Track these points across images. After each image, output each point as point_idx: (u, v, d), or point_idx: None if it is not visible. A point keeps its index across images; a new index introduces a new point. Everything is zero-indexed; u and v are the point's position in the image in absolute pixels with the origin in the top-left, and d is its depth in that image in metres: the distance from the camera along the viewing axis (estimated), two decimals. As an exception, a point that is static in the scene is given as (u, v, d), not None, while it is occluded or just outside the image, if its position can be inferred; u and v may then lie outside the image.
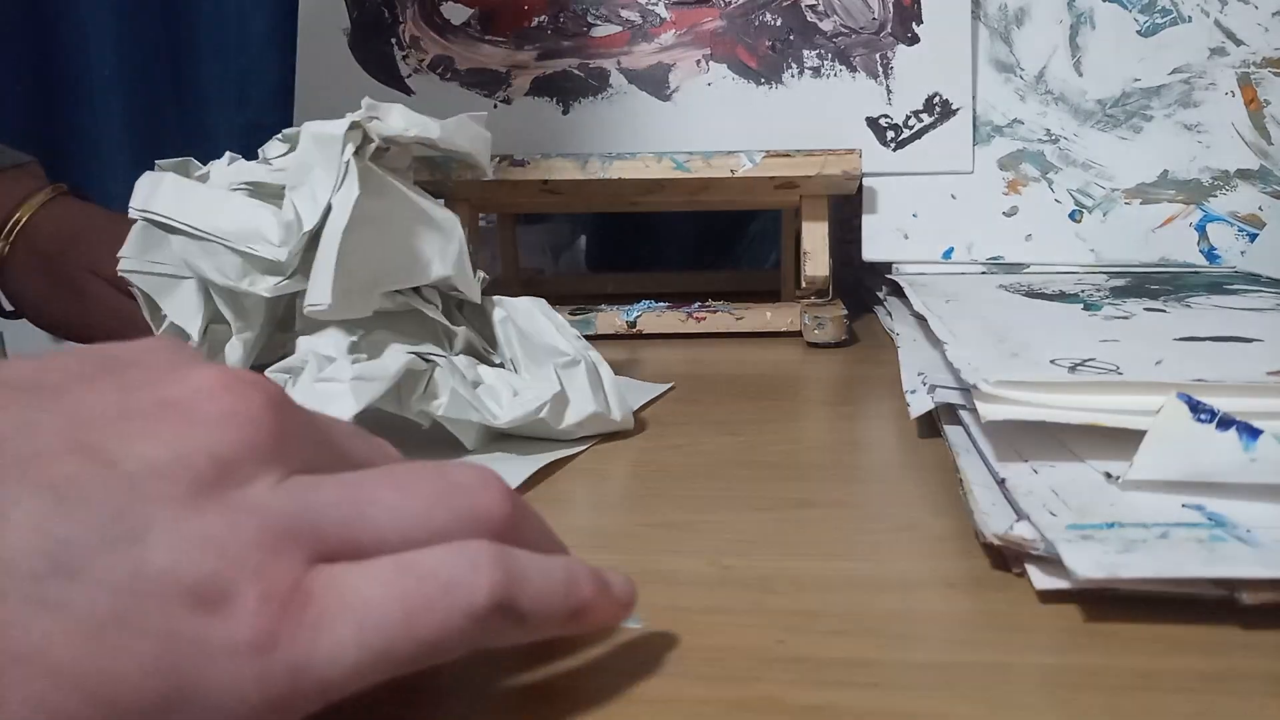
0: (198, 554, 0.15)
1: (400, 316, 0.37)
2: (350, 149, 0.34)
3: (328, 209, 0.33)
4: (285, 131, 0.37)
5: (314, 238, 0.34)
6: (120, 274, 0.36)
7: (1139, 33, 0.62)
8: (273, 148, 0.37)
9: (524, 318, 0.38)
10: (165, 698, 0.15)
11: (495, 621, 0.18)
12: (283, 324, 0.38)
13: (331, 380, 0.32)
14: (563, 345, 0.37)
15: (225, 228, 0.34)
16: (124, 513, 0.15)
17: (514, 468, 0.33)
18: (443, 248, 0.36)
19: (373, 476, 0.19)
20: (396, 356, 0.33)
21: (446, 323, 0.37)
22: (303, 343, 0.34)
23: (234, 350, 0.36)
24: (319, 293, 0.33)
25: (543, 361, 0.37)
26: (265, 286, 0.34)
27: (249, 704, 0.15)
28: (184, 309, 0.36)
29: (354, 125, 0.34)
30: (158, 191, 0.35)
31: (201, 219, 0.34)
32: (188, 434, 0.16)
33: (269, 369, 0.34)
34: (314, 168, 0.34)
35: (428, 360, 0.34)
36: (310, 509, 0.17)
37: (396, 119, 0.36)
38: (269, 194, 0.35)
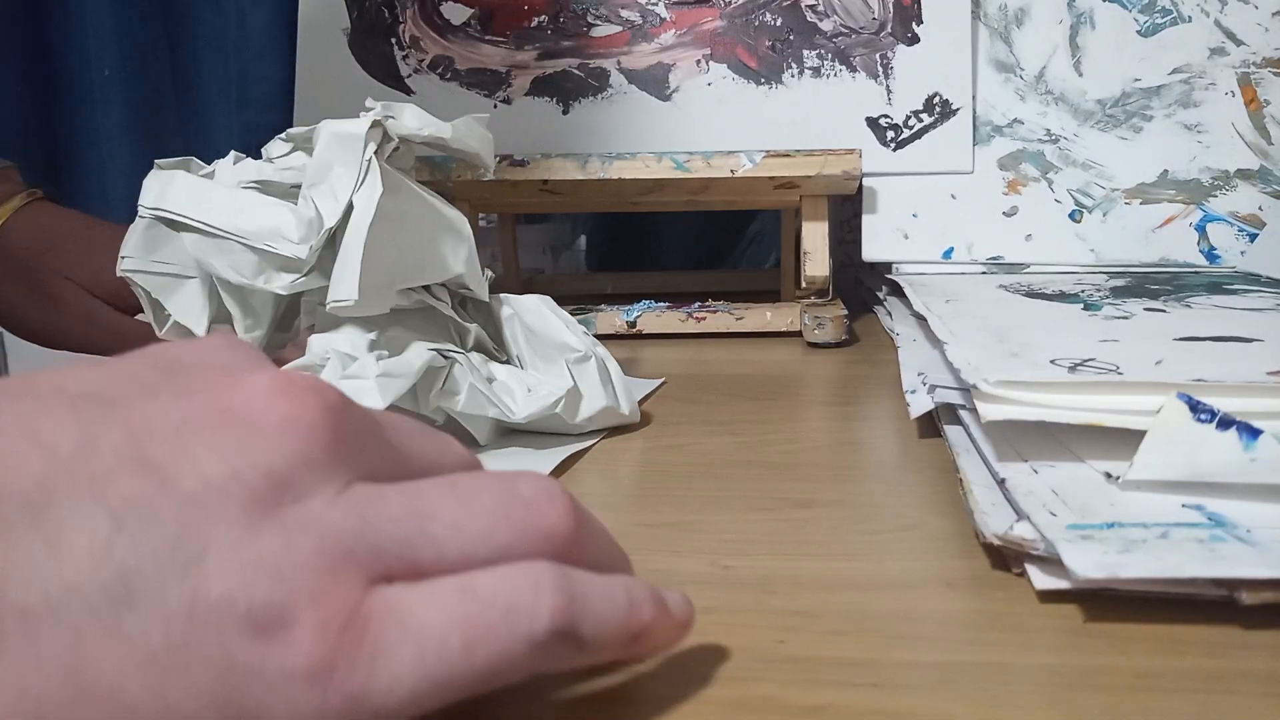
0: (254, 579, 0.15)
1: (413, 314, 0.37)
2: (371, 148, 0.34)
3: (349, 207, 0.34)
4: (289, 131, 0.37)
5: (332, 236, 0.34)
6: (122, 274, 0.36)
7: (1139, 33, 0.62)
8: (275, 147, 0.37)
9: (532, 315, 0.39)
10: None
11: (556, 647, 0.17)
12: (281, 323, 0.38)
13: (357, 377, 0.32)
14: (574, 341, 0.38)
15: (244, 226, 0.34)
16: (181, 536, 0.15)
17: (531, 465, 0.33)
18: (455, 246, 0.37)
19: (434, 488, 0.18)
20: (419, 353, 0.34)
21: (459, 320, 0.38)
22: (317, 340, 0.34)
23: None
24: (346, 289, 0.33)
25: (553, 358, 0.38)
26: (281, 284, 0.34)
27: None
28: (189, 308, 0.36)
29: (374, 124, 0.35)
30: (170, 189, 0.35)
31: (219, 217, 0.34)
32: (244, 446, 0.16)
33: (286, 367, 0.34)
34: (334, 166, 0.34)
35: (446, 357, 0.35)
36: (369, 526, 0.17)
37: (410, 119, 0.37)
38: (278, 193, 0.36)
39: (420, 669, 0.16)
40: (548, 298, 0.40)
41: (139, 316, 0.38)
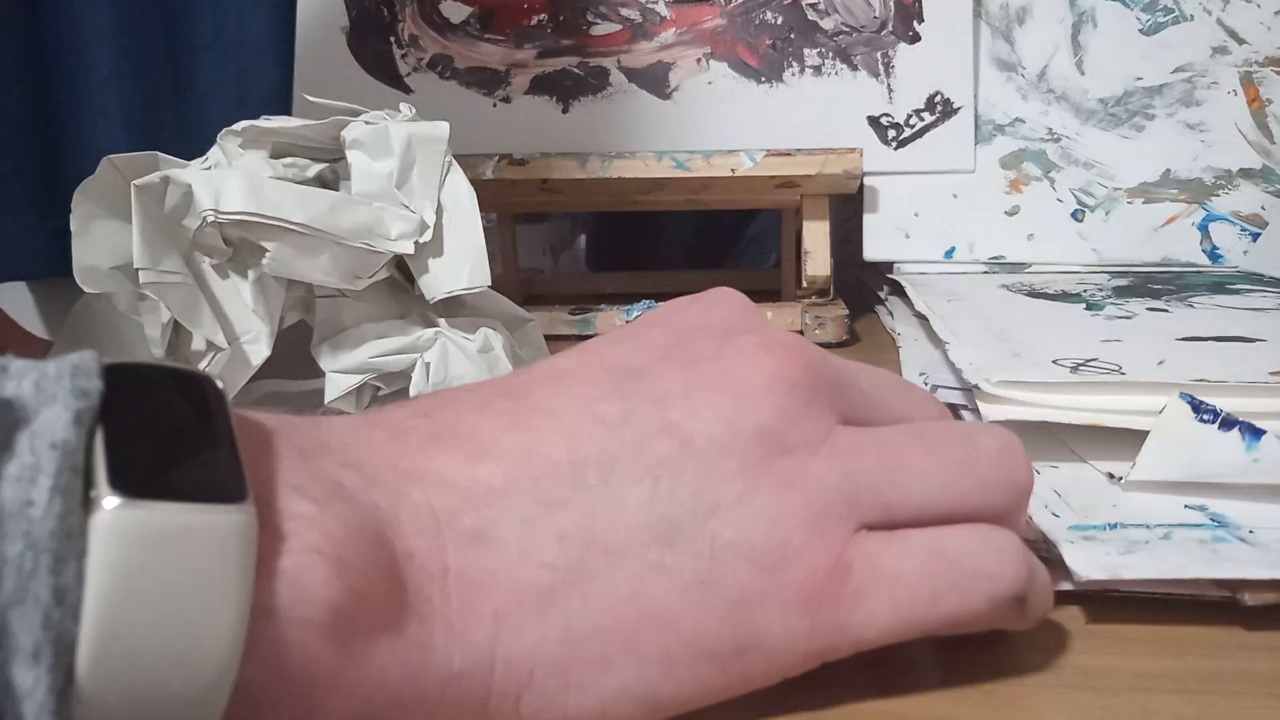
0: (755, 527, 0.18)
1: (405, 296, 0.38)
2: (449, 149, 0.37)
3: (438, 205, 0.36)
4: (257, 124, 0.37)
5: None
6: (143, 286, 0.35)
7: (1141, 31, 0.62)
8: (230, 139, 0.37)
9: (474, 293, 0.41)
10: (739, 643, 0.18)
11: (1007, 609, 0.20)
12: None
13: (491, 350, 0.36)
14: (523, 311, 0.40)
15: (340, 225, 0.34)
16: (700, 490, 0.18)
17: None
18: None
19: (904, 439, 0.20)
20: (493, 328, 0.37)
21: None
22: (388, 328, 0.36)
23: (261, 350, 0.36)
24: (478, 275, 0.36)
25: (513, 328, 0.39)
26: (360, 283, 0.36)
27: (798, 651, 0.19)
28: (205, 319, 0.35)
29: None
30: (239, 192, 0.34)
31: (314, 217, 0.34)
32: (738, 406, 0.19)
33: (391, 355, 0.35)
34: (414, 166, 0.36)
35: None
36: (848, 478, 0.19)
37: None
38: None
39: (892, 612, 0.19)
40: None
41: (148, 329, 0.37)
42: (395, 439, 0.19)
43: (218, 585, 0.14)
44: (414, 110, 0.38)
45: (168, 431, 0.15)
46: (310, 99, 0.39)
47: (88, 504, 0.14)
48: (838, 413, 0.20)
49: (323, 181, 0.37)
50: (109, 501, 0.14)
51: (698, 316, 0.22)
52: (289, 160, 0.37)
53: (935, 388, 0.35)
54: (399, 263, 0.37)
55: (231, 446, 0.15)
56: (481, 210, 0.38)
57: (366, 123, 0.37)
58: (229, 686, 0.14)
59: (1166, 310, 0.46)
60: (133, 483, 0.14)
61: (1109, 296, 0.51)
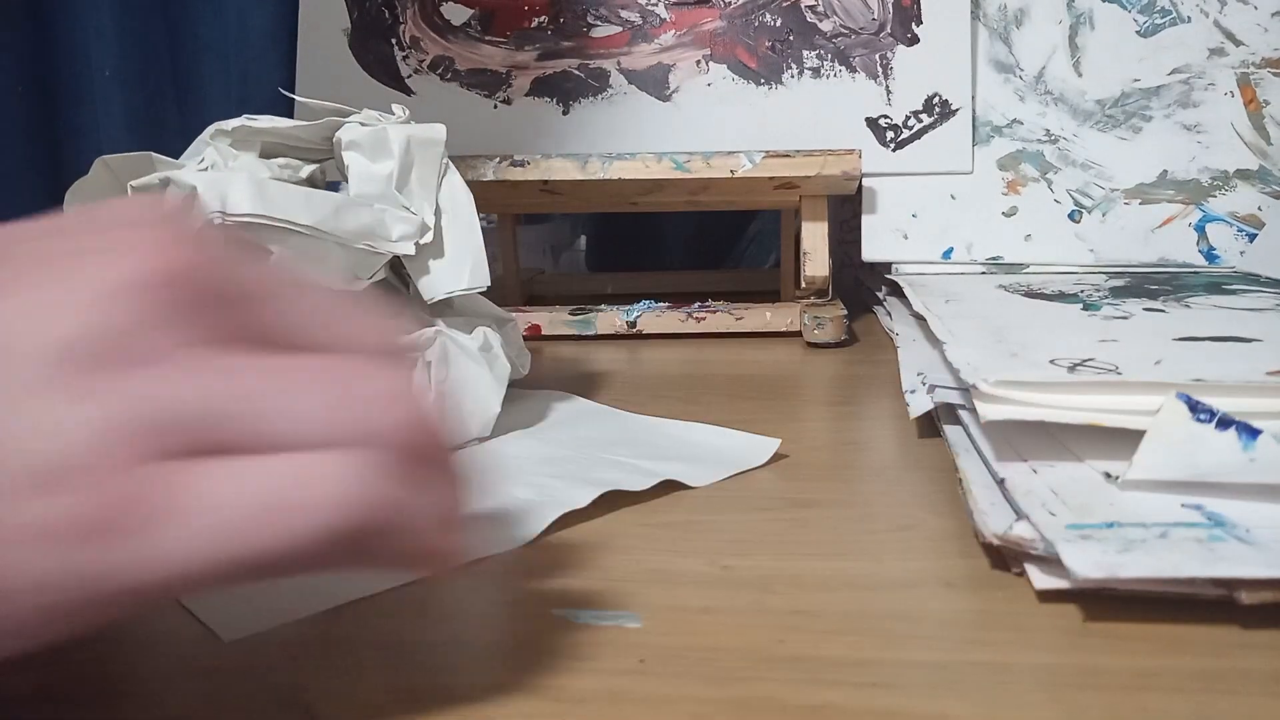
0: (38, 444, 0.15)
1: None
2: (446, 150, 0.37)
3: (436, 206, 0.37)
4: (229, 124, 0.36)
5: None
6: None
7: (1138, 33, 0.62)
8: (220, 139, 0.37)
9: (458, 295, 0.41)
10: None
11: (352, 545, 0.17)
12: None
13: (497, 353, 0.36)
14: (500, 312, 0.40)
15: (344, 226, 0.34)
16: None
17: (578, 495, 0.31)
18: None
19: (279, 367, 0.17)
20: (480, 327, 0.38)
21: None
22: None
23: None
24: (479, 276, 0.36)
25: (481, 323, 0.40)
26: (360, 284, 0.36)
27: (74, 589, 0.15)
28: None
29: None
30: (246, 194, 0.33)
31: (320, 219, 0.34)
32: (58, 312, 0.16)
33: None
34: (413, 168, 0.36)
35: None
36: (174, 400, 0.16)
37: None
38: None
39: (195, 544, 0.16)
40: None
41: None
42: None
43: None
44: (408, 111, 0.38)
45: None
46: (301, 99, 0.39)
47: None
48: (212, 331, 0.17)
49: (313, 183, 0.38)
50: None
51: (104, 213, 0.18)
52: (282, 161, 0.37)
53: (933, 387, 0.36)
54: (393, 264, 0.37)
55: None
56: (482, 211, 0.38)
57: (361, 124, 0.37)
58: None
59: (1163, 310, 0.46)
60: None
61: (1106, 297, 0.51)
